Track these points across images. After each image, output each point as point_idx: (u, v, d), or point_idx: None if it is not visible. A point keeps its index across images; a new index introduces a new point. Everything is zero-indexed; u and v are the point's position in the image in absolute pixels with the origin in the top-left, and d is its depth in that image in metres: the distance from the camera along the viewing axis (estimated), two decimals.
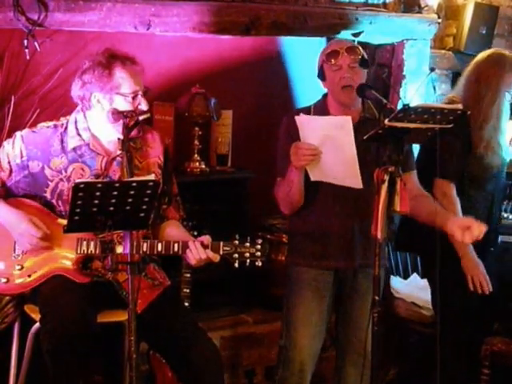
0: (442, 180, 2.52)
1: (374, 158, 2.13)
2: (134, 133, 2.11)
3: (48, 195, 2.19)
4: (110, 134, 2.19)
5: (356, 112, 2.31)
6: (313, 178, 2.21)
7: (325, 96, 2.38)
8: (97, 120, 2.19)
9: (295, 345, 2.38)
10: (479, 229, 2.14)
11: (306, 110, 2.33)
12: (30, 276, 2.15)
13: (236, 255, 2.08)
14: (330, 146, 2.13)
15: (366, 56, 2.31)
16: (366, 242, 2.33)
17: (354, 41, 2.86)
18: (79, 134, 2.20)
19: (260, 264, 2.08)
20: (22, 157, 2.18)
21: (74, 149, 2.19)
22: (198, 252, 2.07)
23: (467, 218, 2.25)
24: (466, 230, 2.15)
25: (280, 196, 2.32)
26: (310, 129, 2.14)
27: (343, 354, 2.47)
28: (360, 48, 2.30)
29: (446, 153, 2.46)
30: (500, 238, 2.89)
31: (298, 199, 2.28)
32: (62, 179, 2.17)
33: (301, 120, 2.15)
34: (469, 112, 2.46)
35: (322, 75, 2.31)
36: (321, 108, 2.34)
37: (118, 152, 2.15)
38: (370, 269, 2.35)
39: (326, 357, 2.63)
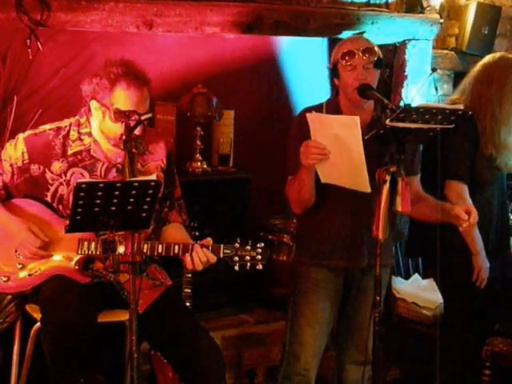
0: (455, 181, 2.51)
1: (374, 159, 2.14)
2: (136, 133, 2.09)
3: (49, 199, 2.18)
4: (105, 143, 2.18)
5: (368, 111, 2.30)
6: (323, 180, 2.20)
7: (336, 93, 2.37)
8: (95, 126, 2.18)
9: (301, 343, 2.38)
10: (474, 215, 2.22)
11: (318, 108, 2.32)
12: (30, 275, 2.15)
13: (236, 258, 2.07)
14: (338, 146, 2.12)
15: (381, 56, 2.30)
16: (374, 242, 2.34)
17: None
18: (81, 139, 2.19)
19: (261, 267, 2.07)
20: (23, 160, 2.17)
21: (75, 153, 2.18)
22: (197, 254, 2.06)
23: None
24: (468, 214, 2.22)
25: (291, 195, 2.31)
26: (320, 127, 2.13)
27: (345, 353, 2.47)
28: (376, 48, 2.28)
29: (457, 154, 2.46)
30: None
31: (308, 198, 2.27)
32: (61, 183, 2.17)
33: (311, 118, 2.14)
34: (470, 112, 2.46)
35: (335, 73, 2.29)
36: (333, 106, 2.33)
37: (119, 160, 2.15)
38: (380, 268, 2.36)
39: (327, 357, 2.63)
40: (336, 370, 2.54)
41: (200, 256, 2.07)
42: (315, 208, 2.32)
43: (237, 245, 2.08)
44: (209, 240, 2.10)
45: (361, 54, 2.23)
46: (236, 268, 2.07)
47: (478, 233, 2.54)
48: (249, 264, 2.07)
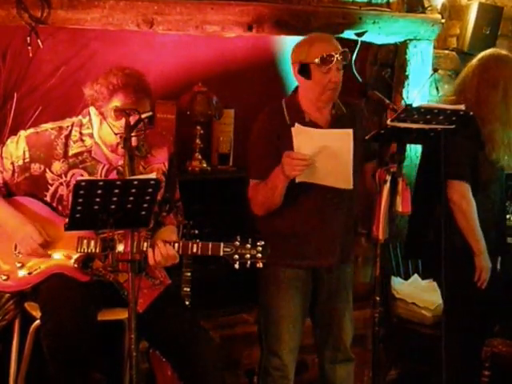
0: (457, 181, 2.50)
1: (357, 155, 2.15)
2: (135, 132, 2.08)
3: (48, 199, 2.17)
4: (104, 147, 2.17)
5: (328, 110, 2.32)
6: (298, 179, 2.20)
7: (295, 91, 2.36)
8: (96, 130, 2.17)
9: (277, 340, 2.40)
10: None
11: (278, 107, 2.32)
12: (30, 273, 2.15)
13: (236, 256, 2.06)
14: (324, 155, 2.13)
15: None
16: (344, 239, 2.37)
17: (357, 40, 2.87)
18: (82, 140, 2.18)
19: (261, 265, 2.06)
20: (24, 158, 2.15)
21: (76, 154, 2.17)
22: (158, 249, 2.05)
23: None
24: None
25: (259, 199, 2.28)
26: (306, 139, 2.14)
27: (324, 353, 2.49)
28: (348, 52, 2.30)
29: (458, 153, 2.46)
30: None
31: (277, 203, 2.27)
32: (61, 183, 2.16)
33: (297, 131, 2.13)
34: (471, 113, 2.45)
35: (307, 73, 2.27)
36: (292, 104, 2.32)
37: (120, 162, 2.14)
38: (345, 265, 2.39)
39: None
40: (319, 371, 2.55)
41: (161, 250, 2.05)
42: (285, 208, 2.30)
43: (237, 243, 2.07)
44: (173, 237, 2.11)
45: (339, 58, 2.24)
46: (236, 266, 2.06)
47: (481, 233, 2.54)
48: (249, 262, 2.06)
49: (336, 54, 2.23)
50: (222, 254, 2.07)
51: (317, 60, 2.23)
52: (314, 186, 2.22)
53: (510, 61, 2.59)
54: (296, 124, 2.17)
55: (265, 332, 2.45)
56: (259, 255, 2.06)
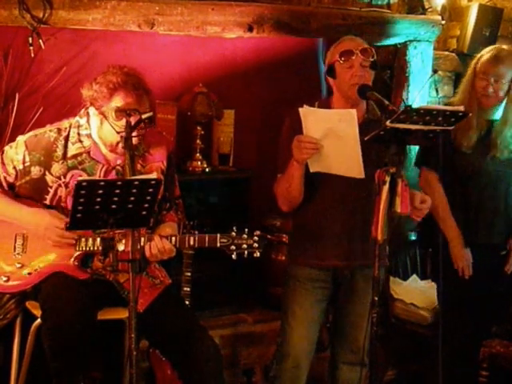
0: (425, 169, 2.64)
1: (376, 157, 2.14)
2: (136, 132, 2.09)
3: (48, 202, 2.17)
4: (103, 147, 2.17)
5: (360, 113, 2.31)
6: (312, 169, 2.21)
7: (330, 95, 2.38)
8: (95, 130, 2.18)
9: (289, 341, 2.40)
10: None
11: (311, 106, 2.33)
12: (30, 274, 2.16)
13: (233, 247, 2.06)
14: (332, 139, 2.13)
15: (375, 58, 2.31)
16: (365, 242, 2.34)
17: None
18: (80, 141, 2.18)
19: (258, 255, 2.06)
20: (24, 162, 2.16)
21: (75, 155, 2.17)
22: (155, 243, 2.06)
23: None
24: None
25: (279, 192, 2.32)
26: (313, 121, 2.14)
27: (338, 352, 2.48)
28: (373, 50, 2.30)
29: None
30: None
31: (296, 196, 2.28)
32: (60, 185, 2.17)
33: (304, 112, 2.15)
34: (470, 114, 2.46)
35: (332, 73, 2.31)
36: (324, 105, 2.34)
37: (118, 162, 2.16)
38: (368, 269, 2.36)
39: (322, 357, 2.64)
40: (329, 370, 2.54)
41: (157, 244, 2.06)
42: (307, 208, 2.32)
43: (233, 233, 2.07)
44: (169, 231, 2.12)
45: (359, 54, 2.25)
46: (233, 257, 2.06)
47: (453, 220, 2.58)
48: (246, 252, 2.06)
49: (356, 50, 2.25)
50: (218, 245, 2.07)
51: (338, 57, 2.26)
52: (333, 187, 2.23)
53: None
54: (304, 105, 2.18)
55: (281, 333, 2.43)
56: (256, 245, 2.06)
